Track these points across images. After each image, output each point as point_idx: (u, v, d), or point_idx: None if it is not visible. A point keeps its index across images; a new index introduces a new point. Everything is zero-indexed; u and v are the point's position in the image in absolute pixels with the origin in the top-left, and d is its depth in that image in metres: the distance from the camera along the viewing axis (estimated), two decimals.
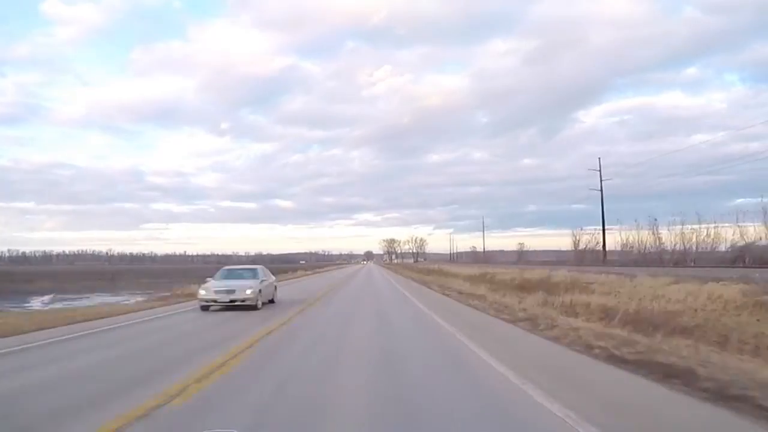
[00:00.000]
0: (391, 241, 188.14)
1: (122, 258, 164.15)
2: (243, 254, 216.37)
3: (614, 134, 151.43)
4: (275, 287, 18.33)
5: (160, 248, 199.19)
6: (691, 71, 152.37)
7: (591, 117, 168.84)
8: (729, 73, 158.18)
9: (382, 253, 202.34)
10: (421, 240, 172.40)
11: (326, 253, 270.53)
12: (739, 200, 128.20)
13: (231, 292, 15.00)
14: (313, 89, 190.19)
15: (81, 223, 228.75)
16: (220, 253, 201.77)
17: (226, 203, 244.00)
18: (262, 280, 16.53)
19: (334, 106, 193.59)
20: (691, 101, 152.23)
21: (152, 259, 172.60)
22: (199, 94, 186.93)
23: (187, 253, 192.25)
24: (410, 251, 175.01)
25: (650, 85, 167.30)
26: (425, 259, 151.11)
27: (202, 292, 15.53)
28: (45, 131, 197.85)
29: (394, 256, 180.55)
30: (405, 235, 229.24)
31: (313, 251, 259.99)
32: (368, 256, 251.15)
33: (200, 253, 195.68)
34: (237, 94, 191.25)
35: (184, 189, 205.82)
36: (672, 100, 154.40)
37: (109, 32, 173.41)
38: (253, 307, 15.15)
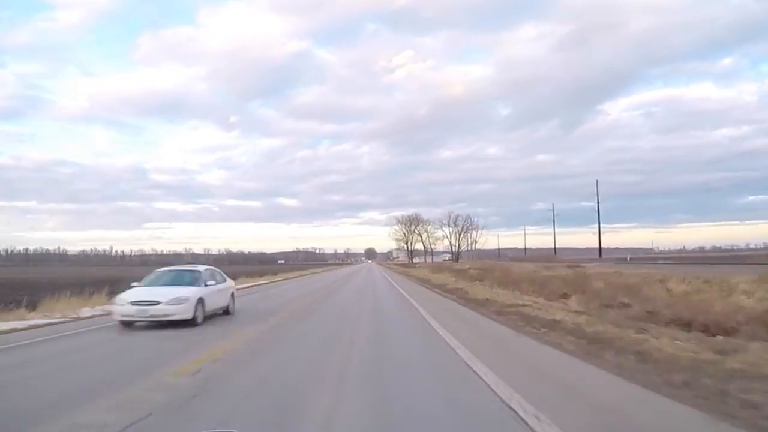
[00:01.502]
0: (413, 221, 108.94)
1: (10, 257, 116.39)
2: (202, 252, 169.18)
3: (637, 128, 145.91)
4: (233, 295, 13.73)
5: (162, 247, 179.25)
6: (727, 62, 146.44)
7: (617, 109, 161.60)
8: (766, 64, 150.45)
9: (392, 249, 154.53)
10: (467, 220, 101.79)
11: (319, 251, 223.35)
12: (751, 197, 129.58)
13: (154, 303, 10.42)
14: (328, 79, 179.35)
15: (83, 222, 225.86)
16: (168, 252, 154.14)
17: (231, 202, 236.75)
18: (207, 285, 11.89)
19: (349, 97, 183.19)
20: (721, 93, 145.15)
21: (61, 258, 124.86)
22: (208, 85, 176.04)
23: (114, 252, 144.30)
24: (446, 241, 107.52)
25: (682, 75, 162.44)
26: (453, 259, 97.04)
27: (116, 306, 10.83)
28: (46, 127, 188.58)
29: (406, 253, 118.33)
30: (437, 213, 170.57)
31: (303, 249, 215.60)
32: (369, 254, 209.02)
33: (141, 252, 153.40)
34: (248, 85, 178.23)
35: (189, 187, 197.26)
36: (702, 92, 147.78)
37: (115, 17, 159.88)
38: (190, 323, 10.59)
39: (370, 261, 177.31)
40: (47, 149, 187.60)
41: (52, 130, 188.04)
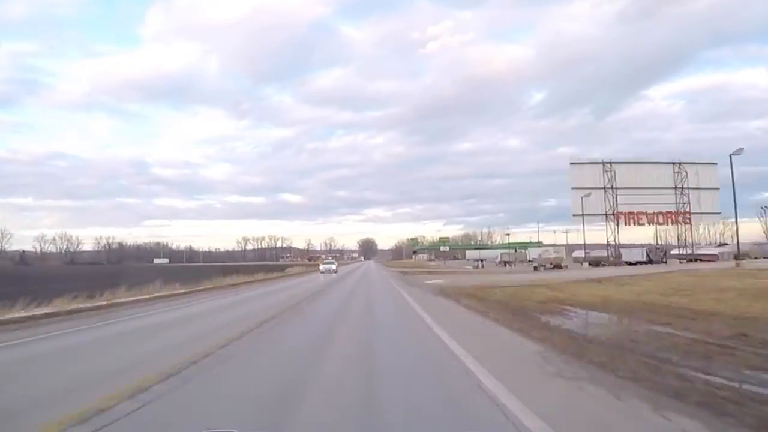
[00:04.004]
0: None
1: None
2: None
3: (673, 118, 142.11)
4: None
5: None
6: None
7: (660, 94, 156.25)
8: None
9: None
10: None
11: (288, 245, 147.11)
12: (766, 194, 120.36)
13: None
14: (352, 59, 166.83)
15: (81, 219, 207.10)
16: None
17: (234, 198, 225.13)
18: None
19: (371, 81, 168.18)
20: None
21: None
22: (221, 65, 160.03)
23: None
24: None
25: (736, 59, 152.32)
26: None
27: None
28: (44, 115, 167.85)
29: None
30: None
31: (273, 239, 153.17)
32: (366, 249, 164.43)
33: None
34: (264, 67, 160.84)
35: (191, 182, 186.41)
36: (752, 77, 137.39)
37: None
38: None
39: (362, 259, 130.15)
40: (44, 141, 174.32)
41: (50, 120, 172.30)
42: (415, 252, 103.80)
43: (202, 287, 24.49)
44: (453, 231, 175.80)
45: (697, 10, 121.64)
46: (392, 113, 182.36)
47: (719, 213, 58.61)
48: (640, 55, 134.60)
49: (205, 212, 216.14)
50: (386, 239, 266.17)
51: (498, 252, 73.40)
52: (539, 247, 67.55)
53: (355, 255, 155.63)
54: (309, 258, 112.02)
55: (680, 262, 49.65)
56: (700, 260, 50.29)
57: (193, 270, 55.81)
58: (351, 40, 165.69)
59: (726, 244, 64.17)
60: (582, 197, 53.91)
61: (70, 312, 12.59)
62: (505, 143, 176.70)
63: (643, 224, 58.73)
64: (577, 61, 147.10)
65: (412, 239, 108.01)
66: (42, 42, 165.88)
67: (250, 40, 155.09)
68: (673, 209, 57.54)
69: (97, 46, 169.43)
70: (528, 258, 61.97)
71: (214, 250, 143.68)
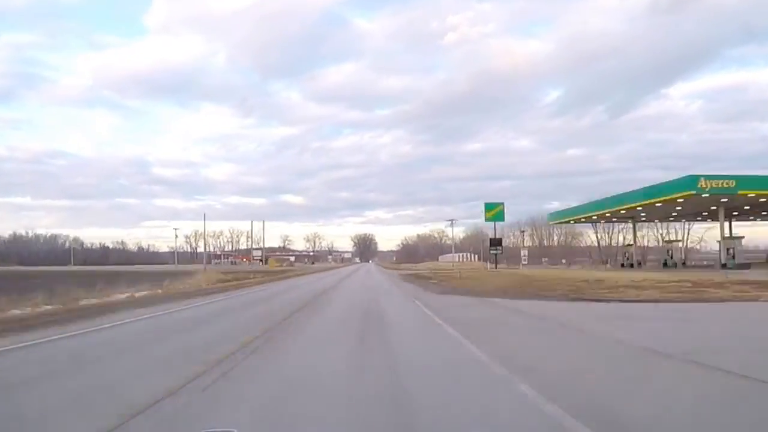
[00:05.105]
0: None
1: None
2: None
3: (689, 118, 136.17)
4: None
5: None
6: None
7: (680, 93, 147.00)
8: None
9: None
10: None
11: (256, 245, 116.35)
12: None
13: None
14: (365, 53, 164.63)
15: (79, 219, 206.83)
16: None
17: (234, 198, 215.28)
18: None
19: (384, 76, 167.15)
20: None
21: None
22: (230, 59, 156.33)
23: None
24: None
25: (760, 58, 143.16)
26: None
27: None
28: (43, 111, 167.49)
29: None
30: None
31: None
32: (363, 249, 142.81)
33: None
34: (273, 60, 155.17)
35: (191, 183, 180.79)
36: None
37: None
38: None
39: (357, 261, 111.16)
40: (44, 138, 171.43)
41: (49, 116, 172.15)
42: (497, 243, 53.68)
43: None
44: (457, 234, 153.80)
45: (729, 3, 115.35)
46: (402, 110, 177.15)
47: None
48: (664, 51, 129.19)
49: (205, 213, 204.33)
50: (386, 241, 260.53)
51: None
52: None
53: (348, 256, 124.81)
54: (265, 260, 79.64)
55: None
56: None
57: None
58: (363, 32, 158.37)
59: None
60: None
61: None
62: (515, 143, 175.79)
63: None
64: (598, 57, 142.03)
65: (492, 209, 54.54)
66: (43, 33, 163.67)
67: (259, 32, 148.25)
68: None
69: (100, 37, 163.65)
70: None
71: (147, 247, 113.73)
